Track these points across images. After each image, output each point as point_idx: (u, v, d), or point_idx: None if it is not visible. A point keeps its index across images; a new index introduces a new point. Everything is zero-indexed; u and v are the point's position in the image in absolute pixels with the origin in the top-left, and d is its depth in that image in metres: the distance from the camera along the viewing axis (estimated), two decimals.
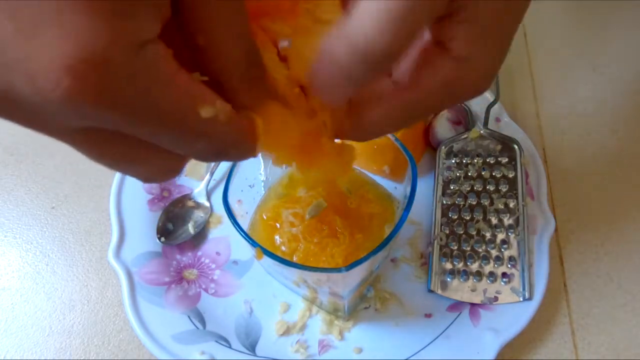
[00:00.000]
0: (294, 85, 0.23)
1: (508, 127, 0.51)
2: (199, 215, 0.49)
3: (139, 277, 0.44)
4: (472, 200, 0.46)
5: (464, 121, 0.51)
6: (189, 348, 0.41)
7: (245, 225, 0.36)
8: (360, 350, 0.41)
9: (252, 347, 0.42)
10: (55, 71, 0.15)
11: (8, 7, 0.15)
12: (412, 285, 0.44)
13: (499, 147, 0.48)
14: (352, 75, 0.20)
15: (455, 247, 0.45)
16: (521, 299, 0.42)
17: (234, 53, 0.19)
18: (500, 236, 0.45)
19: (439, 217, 0.46)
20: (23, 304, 0.45)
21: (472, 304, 0.42)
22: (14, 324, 0.44)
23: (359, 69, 0.19)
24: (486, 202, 0.46)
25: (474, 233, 0.45)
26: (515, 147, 0.48)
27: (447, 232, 0.45)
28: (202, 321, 0.43)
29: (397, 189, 0.40)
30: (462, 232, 0.45)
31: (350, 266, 0.31)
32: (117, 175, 0.50)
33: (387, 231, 0.37)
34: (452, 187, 0.47)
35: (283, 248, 0.37)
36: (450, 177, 0.48)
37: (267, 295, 0.44)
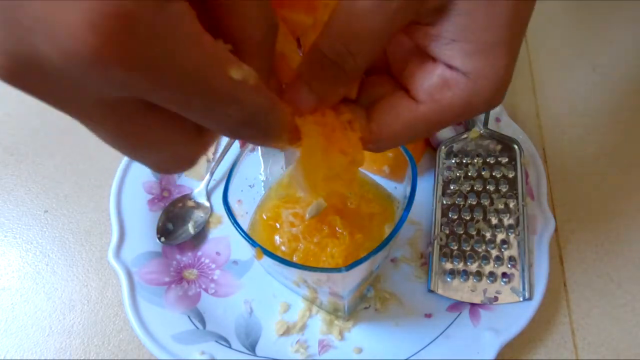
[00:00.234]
0: None
1: (508, 127, 0.51)
2: (199, 215, 0.49)
3: (139, 277, 0.44)
4: (472, 200, 0.46)
5: (464, 121, 0.51)
6: (189, 348, 0.41)
7: (245, 225, 0.36)
8: (360, 350, 0.41)
9: (252, 347, 0.42)
10: (79, 28, 0.14)
11: None
12: (412, 285, 0.44)
13: (499, 147, 0.48)
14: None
15: (455, 247, 0.45)
16: (521, 299, 0.42)
17: (254, 13, 0.19)
18: (500, 236, 0.45)
19: (439, 217, 0.46)
20: (23, 304, 0.45)
21: (472, 304, 0.42)
22: (14, 324, 0.44)
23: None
24: (486, 202, 0.46)
25: (474, 233, 0.45)
26: (515, 147, 0.48)
27: (447, 232, 0.45)
28: (202, 321, 0.43)
29: (397, 189, 0.40)
30: (462, 232, 0.45)
31: (350, 266, 0.31)
32: (117, 175, 0.50)
33: (387, 231, 0.37)
34: (452, 187, 0.47)
35: (283, 248, 0.36)
36: (450, 177, 0.48)
37: (267, 295, 0.44)
